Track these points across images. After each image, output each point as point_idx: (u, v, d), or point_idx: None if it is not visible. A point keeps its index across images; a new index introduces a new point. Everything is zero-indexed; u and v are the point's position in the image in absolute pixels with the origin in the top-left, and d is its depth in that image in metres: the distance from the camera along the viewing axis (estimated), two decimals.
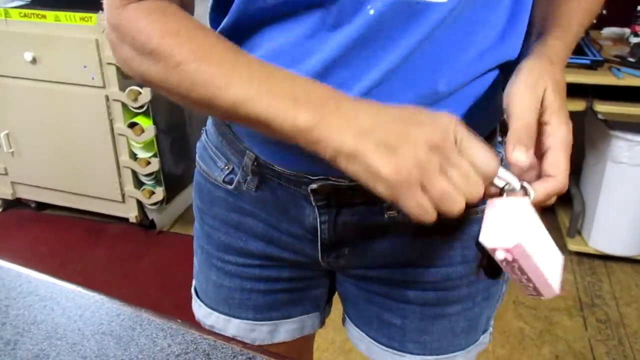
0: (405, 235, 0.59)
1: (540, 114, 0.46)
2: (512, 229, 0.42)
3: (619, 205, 1.82)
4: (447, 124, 0.41)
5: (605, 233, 1.88)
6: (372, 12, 0.45)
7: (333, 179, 0.53)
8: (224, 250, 0.66)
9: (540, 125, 0.46)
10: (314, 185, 0.54)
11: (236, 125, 0.58)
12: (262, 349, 0.45)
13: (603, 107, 1.64)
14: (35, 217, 2.25)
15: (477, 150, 0.42)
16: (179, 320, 0.55)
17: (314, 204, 0.56)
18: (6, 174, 2.17)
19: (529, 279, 0.44)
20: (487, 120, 0.58)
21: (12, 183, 2.20)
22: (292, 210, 0.58)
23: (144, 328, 0.47)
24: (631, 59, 1.65)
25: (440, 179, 0.40)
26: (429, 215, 0.41)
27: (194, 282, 0.74)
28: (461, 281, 0.62)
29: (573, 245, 1.94)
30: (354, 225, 0.58)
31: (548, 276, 0.44)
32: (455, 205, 0.41)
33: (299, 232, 0.60)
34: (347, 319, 0.72)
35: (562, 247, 1.97)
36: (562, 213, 2.10)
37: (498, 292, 0.67)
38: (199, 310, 0.72)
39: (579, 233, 1.97)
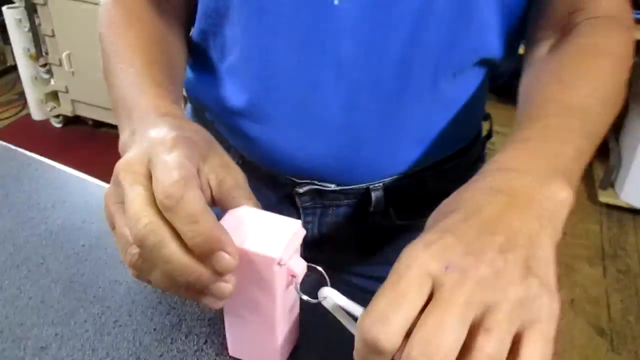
0: (390, 237, 0.58)
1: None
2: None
3: None
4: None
5: (638, 188, 1.91)
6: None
7: (318, 183, 0.53)
8: None
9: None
10: (299, 189, 0.54)
11: (218, 122, 0.57)
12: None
13: None
14: (92, 133, 2.40)
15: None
16: None
17: (298, 205, 0.55)
18: (67, 92, 2.31)
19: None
20: (472, 124, 0.57)
21: (72, 101, 2.34)
22: (275, 209, 0.57)
23: None
24: None
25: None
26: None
27: None
28: None
29: (604, 198, 1.98)
30: (338, 225, 0.57)
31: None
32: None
33: None
34: None
35: (594, 197, 2.02)
36: (597, 165, 2.12)
37: None
38: None
39: (612, 186, 2.01)
